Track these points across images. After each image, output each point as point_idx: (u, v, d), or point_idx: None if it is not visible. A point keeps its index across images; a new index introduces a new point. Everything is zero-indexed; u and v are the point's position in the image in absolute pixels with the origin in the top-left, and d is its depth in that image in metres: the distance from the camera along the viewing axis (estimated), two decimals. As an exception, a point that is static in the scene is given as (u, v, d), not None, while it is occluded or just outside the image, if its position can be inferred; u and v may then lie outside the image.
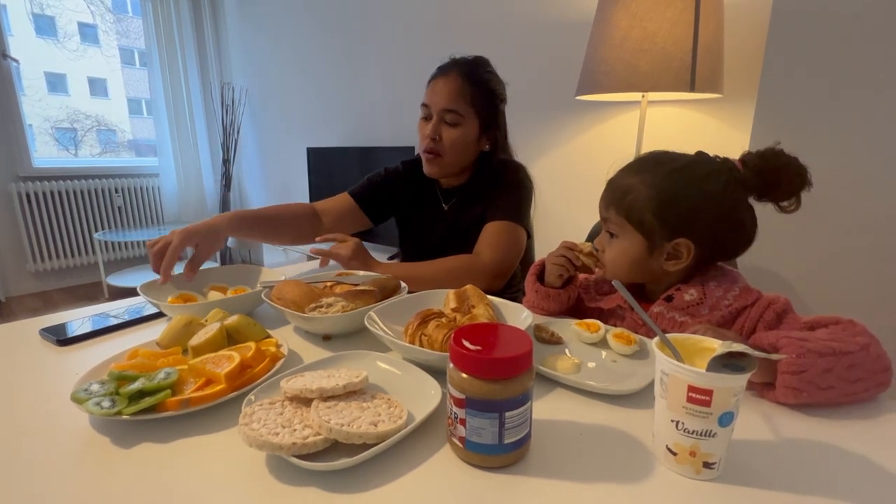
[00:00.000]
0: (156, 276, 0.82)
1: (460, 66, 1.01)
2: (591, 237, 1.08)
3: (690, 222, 0.64)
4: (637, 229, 0.67)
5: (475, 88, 1.00)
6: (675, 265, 0.67)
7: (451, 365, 0.42)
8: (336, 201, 1.12)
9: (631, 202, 0.66)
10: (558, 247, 0.79)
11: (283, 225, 1.03)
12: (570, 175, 1.78)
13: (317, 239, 0.97)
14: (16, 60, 2.99)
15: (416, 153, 1.11)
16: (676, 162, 0.67)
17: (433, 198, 1.13)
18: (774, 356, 0.45)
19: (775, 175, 0.62)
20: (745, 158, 0.64)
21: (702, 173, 0.65)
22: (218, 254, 3.74)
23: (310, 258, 0.99)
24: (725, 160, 0.66)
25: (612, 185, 0.70)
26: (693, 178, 0.64)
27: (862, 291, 1.06)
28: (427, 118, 1.03)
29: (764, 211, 0.66)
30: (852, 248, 1.06)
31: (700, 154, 0.67)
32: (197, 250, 0.85)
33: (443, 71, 1.02)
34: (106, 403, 0.46)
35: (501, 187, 1.05)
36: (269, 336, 0.65)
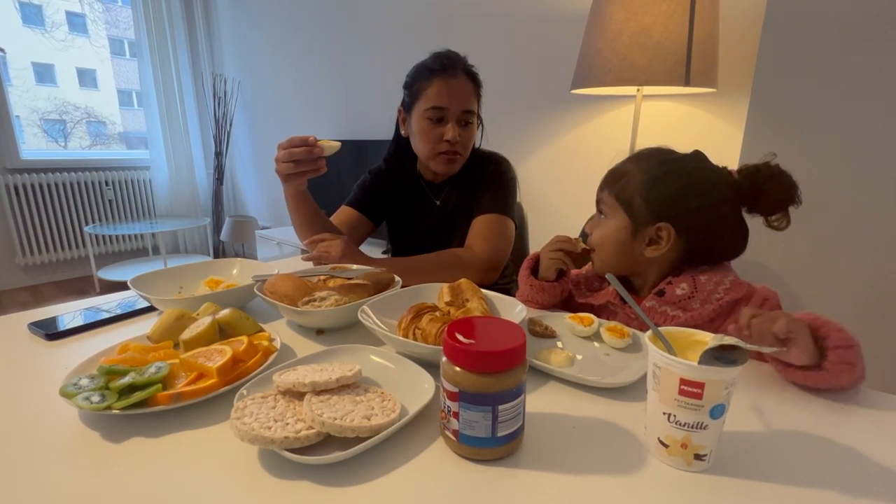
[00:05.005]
0: (146, 270, 0.82)
1: (462, 64, 0.99)
2: (584, 234, 1.08)
3: (674, 206, 0.67)
4: (625, 210, 0.70)
5: (476, 86, 1.01)
6: (655, 251, 0.69)
7: (445, 358, 0.42)
8: (341, 216, 1.13)
9: (624, 184, 0.70)
10: (552, 241, 0.80)
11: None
12: (566, 169, 1.78)
13: (304, 243, 0.95)
14: (2, 50, 2.93)
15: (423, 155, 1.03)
16: (673, 154, 0.71)
17: (421, 192, 1.13)
18: (765, 349, 0.45)
19: (764, 183, 0.64)
20: (741, 168, 0.67)
21: (692, 166, 0.69)
22: (211, 247, 3.72)
23: (303, 251, 0.97)
24: (724, 167, 0.69)
25: (611, 169, 0.75)
26: (684, 168, 0.68)
27: (850, 285, 1.08)
28: (440, 120, 0.97)
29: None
30: (841, 242, 1.07)
31: (696, 152, 0.71)
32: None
33: (450, 72, 0.96)
34: (96, 398, 0.46)
35: (486, 180, 1.06)
36: (261, 330, 0.64)
